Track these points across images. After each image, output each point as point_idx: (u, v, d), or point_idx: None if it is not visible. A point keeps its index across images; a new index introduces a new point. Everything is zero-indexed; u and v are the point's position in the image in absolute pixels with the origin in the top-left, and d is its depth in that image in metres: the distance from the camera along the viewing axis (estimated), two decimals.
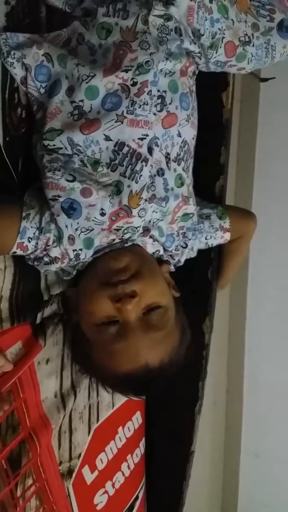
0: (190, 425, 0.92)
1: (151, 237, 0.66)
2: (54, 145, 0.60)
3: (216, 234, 0.75)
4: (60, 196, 0.59)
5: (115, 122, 0.60)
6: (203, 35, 0.66)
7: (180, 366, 0.66)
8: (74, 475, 0.75)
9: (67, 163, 0.60)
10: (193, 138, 0.68)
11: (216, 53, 0.68)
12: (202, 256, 0.80)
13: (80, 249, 0.62)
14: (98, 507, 0.80)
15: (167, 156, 0.64)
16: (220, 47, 0.67)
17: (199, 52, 0.66)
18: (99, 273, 0.62)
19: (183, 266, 0.76)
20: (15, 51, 0.59)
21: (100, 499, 0.80)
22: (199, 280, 0.85)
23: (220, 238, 0.76)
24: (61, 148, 0.60)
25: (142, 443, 0.91)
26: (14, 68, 0.60)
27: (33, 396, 0.67)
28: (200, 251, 0.78)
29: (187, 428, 0.92)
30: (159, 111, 0.62)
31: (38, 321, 0.68)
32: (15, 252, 0.59)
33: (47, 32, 0.62)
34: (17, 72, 0.60)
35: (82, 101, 0.60)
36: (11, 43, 0.59)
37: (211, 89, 0.78)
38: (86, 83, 0.59)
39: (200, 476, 1.09)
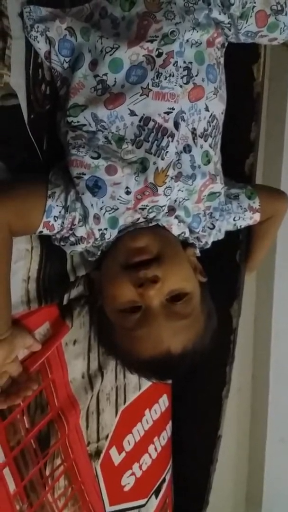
0: (217, 409, 0.91)
1: (176, 217, 0.64)
2: (78, 121, 0.59)
3: (244, 215, 0.72)
4: (84, 174, 0.58)
5: (140, 95, 0.58)
6: (233, 4, 0.62)
7: (204, 352, 0.65)
8: (102, 455, 0.75)
9: (91, 140, 0.59)
10: (222, 113, 0.65)
11: (246, 23, 0.65)
12: (230, 238, 0.77)
13: (105, 229, 0.61)
14: (126, 488, 0.80)
15: (193, 131, 0.62)
16: (251, 16, 0.64)
17: (228, 23, 0.63)
18: (119, 254, 0.61)
19: (211, 249, 0.74)
20: (39, 24, 0.58)
21: (128, 481, 0.81)
22: (227, 263, 0.83)
23: (249, 219, 0.73)
24: (85, 124, 0.59)
25: (168, 426, 0.90)
26: (38, 42, 0.58)
27: (61, 376, 0.68)
28: (228, 233, 0.75)
29: (214, 412, 0.91)
30: (185, 83, 0.60)
31: (65, 302, 0.67)
32: (42, 231, 0.59)
33: (70, 7, 0.61)
34: (41, 46, 0.59)
35: (105, 74, 0.58)
36: (34, 16, 0.58)
37: (241, 61, 0.74)
38: (110, 55, 0.58)
39: (226, 462, 1.08)
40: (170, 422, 0.91)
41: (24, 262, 0.61)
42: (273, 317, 1.12)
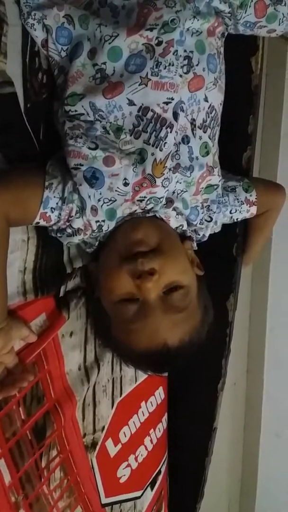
0: (212, 402, 0.91)
1: (174, 209, 0.64)
2: (75, 110, 0.58)
3: (241, 208, 0.72)
4: (82, 165, 0.57)
5: (139, 85, 0.57)
6: None
7: (200, 345, 0.65)
8: (97, 447, 0.75)
9: (89, 130, 0.58)
10: (220, 104, 0.65)
11: (245, 12, 0.64)
12: (227, 231, 0.78)
13: (103, 220, 0.60)
14: (121, 480, 0.80)
15: (192, 122, 0.61)
16: (250, 6, 0.64)
17: (228, 12, 0.63)
18: (117, 245, 0.61)
19: (207, 242, 0.74)
20: (36, 12, 0.57)
21: (123, 472, 0.81)
22: (224, 257, 0.83)
23: (246, 212, 0.73)
24: (83, 114, 0.58)
25: (164, 418, 0.91)
26: (35, 30, 0.58)
27: (58, 368, 0.67)
28: (225, 226, 0.75)
29: (209, 405, 0.92)
30: (185, 73, 0.59)
31: (61, 294, 0.67)
32: (38, 222, 0.58)
33: None
34: (38, 34, 0.58)
35: (104, 63, 0.58)
36: (31, 3, 0.57)
37: (240, 54, 0.73)
38: (109, 43, 0.57)
39: (221, 455, 1.09)
40: (166, 415, 0.91)
41: (21, 253, 0.60)
42: (268, 311, 1.12)
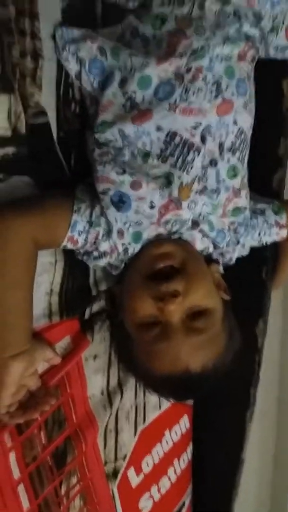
0: (240, 432, 0.88)
1: (200, 231, 0.63)
2: (105, 138, 0.59)
3: (270, 231, 0.71)
4: (109, 189, 0.58)
5: (168, 111, 0.58)
6: (263, 18, 0.62)
7: (225, 372, 0.62)
8: (119, 476, 0.73)
9: (118, 156, 0.59)
10: (250, 126, 0.64)
11: (276, 36, 0.64)
12: (256, 255, 0.76)
13: (129, 243, 0.60)
14: None
15: (220, 145, 0.61)
16: (281, 30, 0.64)
17: (259, 35, 0.63)
18: (142, 264, 0.60)
19: (236, 265, 0.72)
20: (70, 45, 0.59)
21: (145, 504, 0.78)
22: (253, 280, 0.81)
23: (276, 235, 0.71)
24: (112, 140, 0.59)
25: (189, 448, 0.88)
26: (69, 62, 0.59)
27: (80, 392, 0.66)
28: (254, 249, 0.74)
29: (237, 435, 0.88)
30: (214, 98, 0.59)
31: (86, 316, 0.67)
32: (66, 246, 0.59)
33: (102, 27, 0.62)
34: (72, 66, 0.60)
35: (134, 92, 0.58)
36: (66, 37, 0.59)
37: (271, 76, 0.73)
38: (139, 72, 0.58)
39: (248, 488, 1.04)
40: (191, 444, 0.88)
41: (48, 275, 0.61)
42: None
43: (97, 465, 0.69)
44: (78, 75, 0.60)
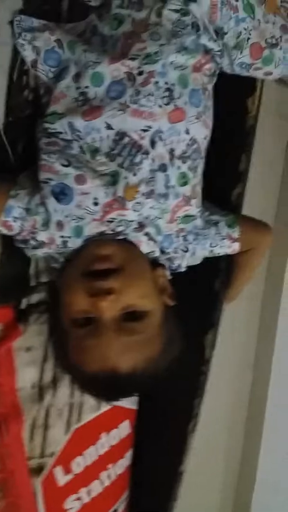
0: (181, 444, 0.87)
1: (146, 234, 0.63)
2: (54, 128, 0.60)
3: (222, 243, 0.71)
4: (52, 179, 0.58)
5: (118, 110, 0.58)
6: (226, 33, 0.63)
7: (158, 378, 0.62)
8: (44, 473, 0.72)
9: (66, 148, 0.59)
10: (204, 138, 0.65)
11: (240, 54, 0.65)
12: (210, 266, 0.76)
13: (69, 237, 0.60)
14: None
15: (171, 152, 0.61)
16: (245, 48, 0.65)
17: (219, 51, 0.63)
18: (81, 261, 0.60)
19: (189, 275, 0.72)
20: (26, 33, 0.60)
21: (72, 505, 0.77)
22: (205, 291, 0.81)
23: (227, 247, 0.71)
24: (62, 132, 0.60)
25: (128, 455, 0.86)
26: (25, 50, 0.61)
27: (8, 382, 0.66)
28: (208, 260, 0.74)
29: (177, 447, 0.87)
30: (166, 104, 0.60)
31: (23, 306, 0.66)
32: (0, 230, 0.59)
33: (66, 23, 0.63)
34: (28, 54, 0.61)
35: (87, 87, 0.59)
36: (24, 25, 0.60)
37: (237, 94, 0.75)
38: (92, 69, 0.59)
39: (209, 503, 1.02)
40: (131, 451, 0.87)
41: None
42: (273, 359, 1.07)
43: (19, 459, 0.68)
44: (34, 64, 0.61)
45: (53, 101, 0.60)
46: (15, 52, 0.60)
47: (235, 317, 0.96)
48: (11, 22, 0.60)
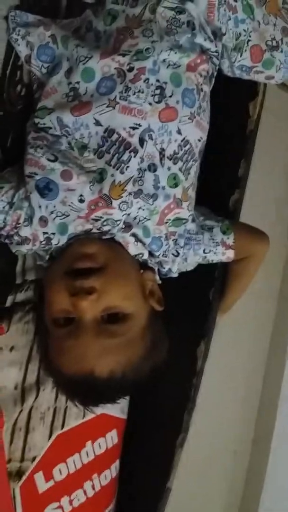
0: (169, 458, 0.83)
1: (133, 235, 0.62)
2: (44, 123, 0.59)
3: (216, 249, 0.69)
4: (36, 174, 0.58)
5: (107, 106, 0.58)
6: (224, 34, 0.62)
7: (137, 384, 0.60)
8: (24, 477, 0.70)
9: (54, 144, 0.59)
10: (198, 140, 0.64)
11: (240, 56, 0.64)
12: (204, 274, 0.74)
13: (53, 233, 0.59)
14: None
15: (161, 151, 0.60)
16: (245, 50, 0.64)
17: (216, 51, 0.62)
18: (64, 259, 0.59)
19: (183, 282, 0.70)
20: (20, 28, 0.60)
21: None
22: (199, 299, 0.78)
23: (222, 254, 0.69)
24: (51, 127, 0.59)
25: (115, 466, 0.83)
26: (19, 45, 0.61)
27: None
28: (202, 268, 0.72)
29: (164, 462, 0.84)
30: (156, 102, 0.59)
31: (7, 304, 0.66)
32: None
33: (63, 19, 0.63)
34: (22, 49, 0.61)
35: (78, 82, 0.59)
36: (19, 21, 0.60)
37: (239, 98, 0.74)
38: (83, 64, 0.58)
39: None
40: (118, 462, 0.84)
41: None
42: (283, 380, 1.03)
43: None
44: (28, 59, 0.61)
45: (44, 96, 0.60)
46: (10, 47, 0.61)
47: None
48: (6, 18, 0.60)
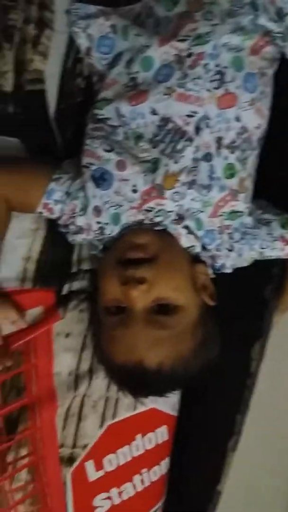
0: (219, 461, 0.81)
1: (186, 227, 0.61)
2: (102, 114, 0.60)
3: (274, 244, 0.66)
4: (93, 164, 0.59)
5: (164, 95, 0.57)
6: (287, 14, 0.60)
7: (187, 380, 0.59)
8: (75, 464, 0.71)
9: (111, 134, 0.59)
10: (257, 128, 0.61)
11: None
12: (261, 270, 0.71)
13: (106, 223, 0.60)
14: (97, 511, 0.75)
15: (218, 140, 0.59)
16: None
17: (280, 32, 0.60)
18: (117, 249, 0.60)
19: (237, 278, 0.68)
20: (81, 21, 0.61)
21: (101, 503, 0.75)
22: (254, 298, 0.76)
23: (280, 250, 0.66)
24: (109, 118, 0.60)
25: (164, 463, 0.83)
26: (79, 38, 0.62)
27: (45, 365, 0.67)
28: (259, 264, 0.69)
29: (216, 464, 0.82)
30: (215, 88, 0.57)
31: (64, 292, 0.68)
32: (42, 212, 0.61)
33: (125, 5, 0.63)
34: (82, 42, 0.62)
35: (137, 72, 0.59)
36: (80, 13, 0.62)
37: None
38: (142, 53, 0.58)
39: None
40: (168, 460, 0.83)
41: (27, 241, 0.63)
42: None
43: (50, 445, 0.69)
44: (88, 51, 0.63)
45: (104, 87, 0.61)
46: (71, 41, 0.63)
47: None
48: (67, 11, 0.62)
